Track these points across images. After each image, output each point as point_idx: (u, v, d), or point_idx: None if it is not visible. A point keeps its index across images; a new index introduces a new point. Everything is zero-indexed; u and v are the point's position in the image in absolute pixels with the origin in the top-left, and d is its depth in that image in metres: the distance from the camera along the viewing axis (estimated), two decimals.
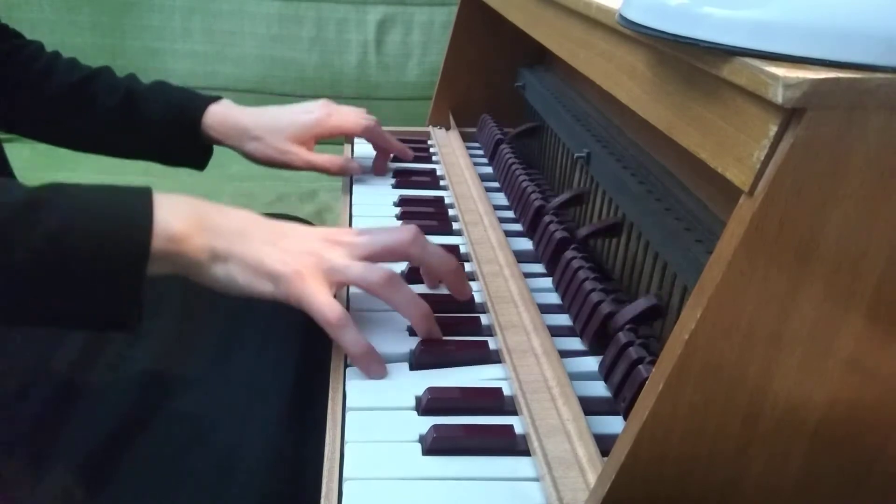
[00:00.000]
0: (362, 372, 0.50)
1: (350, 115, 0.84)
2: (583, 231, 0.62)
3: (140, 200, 0.48)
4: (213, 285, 0.51)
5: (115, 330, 0.48)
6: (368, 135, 0.85)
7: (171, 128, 0.78)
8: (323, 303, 0.50)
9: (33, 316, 0.48)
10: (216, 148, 0.83)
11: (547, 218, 0.68)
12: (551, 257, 0.64)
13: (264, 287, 0.50)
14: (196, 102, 0.79)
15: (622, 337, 0.49)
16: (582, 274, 0.58)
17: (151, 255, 0.46)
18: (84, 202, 0.47)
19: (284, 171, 0.82)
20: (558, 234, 0.64)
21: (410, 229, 0.55)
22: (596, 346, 0.54)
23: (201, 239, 0.49)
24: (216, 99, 0.80)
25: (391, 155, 0.88)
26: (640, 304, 0.51)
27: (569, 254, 0.61)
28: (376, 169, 0.87)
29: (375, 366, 0.50)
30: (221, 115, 0.79)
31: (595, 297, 0.55)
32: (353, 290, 0.59)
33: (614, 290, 0.56)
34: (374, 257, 0.53)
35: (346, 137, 0.92)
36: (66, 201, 0.46)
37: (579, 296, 0.57)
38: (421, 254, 0.55)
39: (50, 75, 0.77)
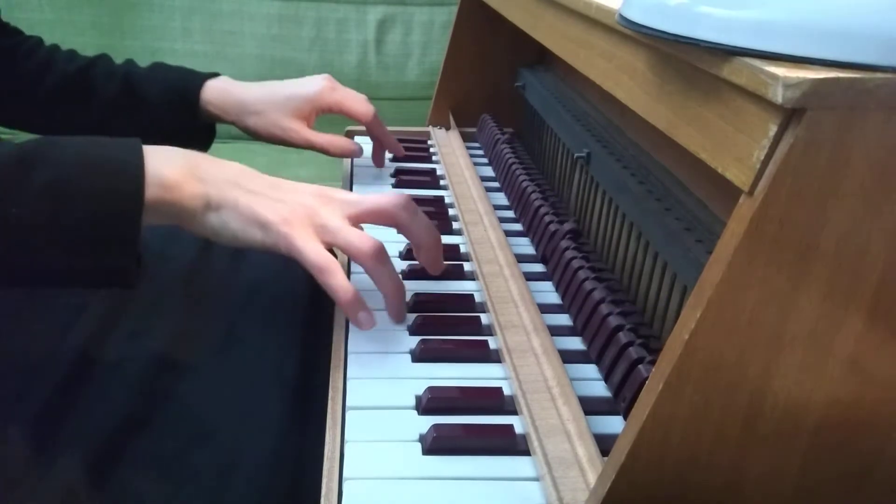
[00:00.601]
0: (350, 318, 0.52)
1: (353, 96, 0.82)
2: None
3: (130, 151, 0.48)
4: (206, 233, 0.51)
5: (115, 285, 0.48)
6: (373, 122, 0.84)
7: (170, 107, 0.77)
8: (311, 249, 0.50)
9: (30, 274, 0.48)
10: (214, 145, 0.82)
11: (547, 218, 0.68)
12: (552, 256, 0.64)
13: (255, 234, 0.51)
14: (194, 79, 0.78)
15: (622, 337, 0.49)
16: (582, 274, 0.58)
17: (145, 204, 0.47)
18: (75, 154, 0.47)
19: (284, 167, 0.81)
20: (555, 228, 0.64)
21: (402, 195, 0.56)
22: (597, 348, 0.54)
23: (194, 187, 0.50)
24: (214, 75, 0.79)
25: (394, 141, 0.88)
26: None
27: (568, 253, 0.61)
28: (375, 160, 0.86)
29: (363, 313, 0.51)
30: (220, 89, 0.78)
31: (596, 295, 0.55)
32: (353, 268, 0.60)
33: (616, 291, 0.56)
34: (363, 216, 0.54)
35: (345, 134, 0.91)
36: (56, 154, 0.46)
37: (580, 296, 0.57)
38: (409, 220, 0.56)
39: (48, 68, 0.77)
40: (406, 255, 0.66)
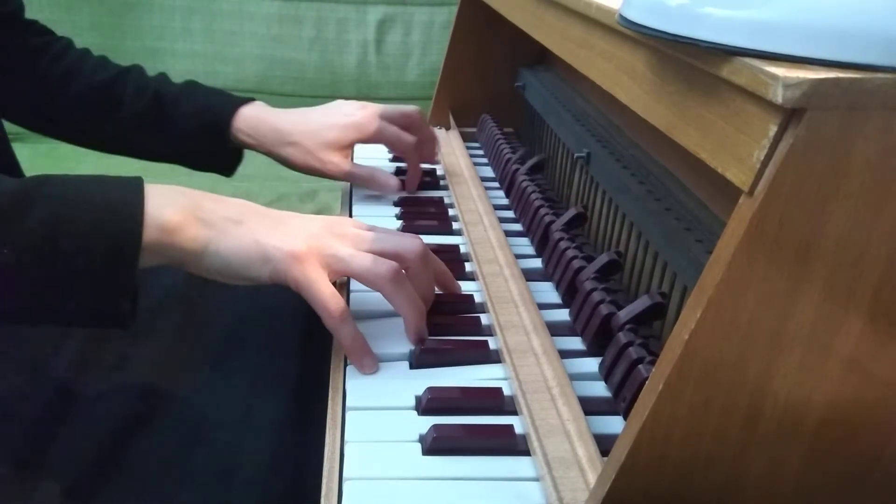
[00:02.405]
0: (356, 366, 0.50)
1: (391, 127, 0.75)
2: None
3: (131, 191, 0.47)
4: (209, 275, 0.50)
5: (110, 326, 0.47)
6: (412, 153, 0.78)
7: (199, 131, 0.75)
8: (322, 289, 0.49)
9: (26, 313, 0.47)
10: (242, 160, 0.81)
11: (547, 218, 0.68)
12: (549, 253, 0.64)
13: (260, 270, 0.49)
14: (226, 105, 0.75)
15: (622, 337, 0.49)
16: (582, 274, 0.58)
17: (143, 247, 0.46)
18: (74, 194, 0.46)
19: (284, 170, 0.80)
20: (558, 235, 0.64)
21: (418, 240, 0.53)
22: (595, 345, 0.54)
23: (195, 229, 0.48)
24: (248, 100, 0.76)
25: (421, 173, 0.80)
26: (642, 303, 0.51)
27: (569, 252, 0.61)
28: (410, 183, 0.79)
29: (368, 360, 0.50)
30: (255, 118, 0.74)
31: (596, 296, 0.55)
32: (353, 287, 0.59)
33: (615, 291, 0.56)
34: (373, 254, 0.51)
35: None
36: (55, 193, 0.45)
37: (580, 296, 0.57)
38: (417, 271, 0.53)
39: (75, 75, 0.75)
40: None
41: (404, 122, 0.77)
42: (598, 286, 0.55)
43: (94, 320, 0.48)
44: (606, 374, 0.50)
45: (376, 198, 0.79)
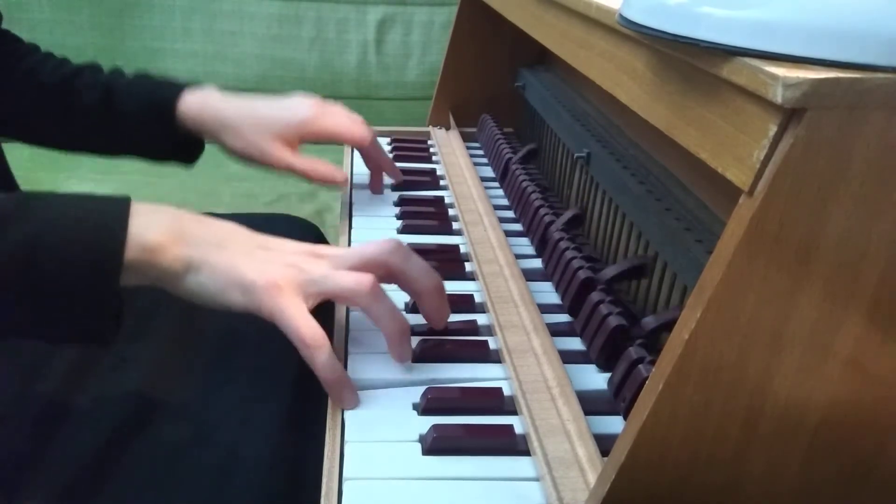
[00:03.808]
0: (333, 399, 0.48)
1: (345, 120, 0.75)
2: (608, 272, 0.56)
3: (116, 209, 0.46)
4: (186, 296, 0.49)
5: (90, 342, 0.47)
6: (367, 147, 0.78)
7: (145, 121, 0.73)
8: (297, 319, 0.47)
9: (8, 330, 0.47)
10: (216, 148, 0.81)
11: (547, 218, 0.68)
12: (550, 256, 0.64)
13: (235, 298, 0.48)
14: (171, 91, 0.72)
15: (622, 337, 0.49)
16: (582, 274, 0.58)
17: (125, 266, 0.45)
18: (56, 212, 0.45)
19: (278, 178, 0.78)
20: (558, 236, 0.64)
21: (392, 240, 0.52)
22: (602, 357, 0.54)
23: (177, 249, 0.47)
24: (195, 86, 0.73)
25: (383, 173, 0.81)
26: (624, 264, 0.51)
27: (568, 253, 0.61)
28: (373, 186, 0.80)
29: (347, 393, 0.48)
30: (198, 104, 0.72)
31: (596, 296, 0.55)
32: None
33: (616, 291, 0.56)
34: (355, 268, 0.51)
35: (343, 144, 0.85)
36: (38, 209, 0.45)
37: (580, 296, 0.57)
38: (402, 264, 0.52)
39: (33, 75, 0.75)
40: (412, 307, 0.59)
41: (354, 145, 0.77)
42: (605, 298, 0.55)
43: (75, 338, 0.47)
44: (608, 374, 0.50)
45: (376, 198, 0.80)
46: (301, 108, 0.73)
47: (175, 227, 0.48)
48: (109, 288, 0.45)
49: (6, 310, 0.44)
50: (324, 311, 0.65)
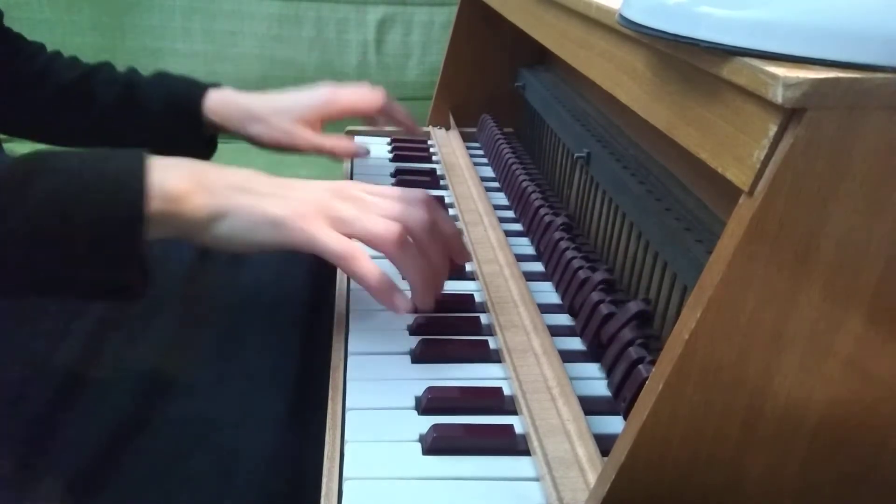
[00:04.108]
0: (383, 303, 0.50)
1: (358, 93, 0.80)
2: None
3: (134, 162, 0.47)
4: (216, 244, 0.50)
5: (119, 298, 0.48)
6: (387, 107, 0.83)
7: (171, 115, 0.76)
8: (329, 238, 0.49)
9: (36, 286, 0.48)
10: (217, 149, 0.82)
11: (547, 219, 0.68)
12: (550, 257, 0.64)
13: (267, 234, 0.49)
14: (196, 87, 0.77)
15: (622, 337, 0.49)
16: (582, 274, 0.58)
17: (150, 217, 0.46)
18: (78, 167, 0.46)
19: (285, 169, 0.81)
20: (558, 235, 0.64)
21: (423, 212, 0.52)
22: (595, 348, 0.54)
23: (200, 198, 0.48)
24: (217, 85, 0.78)
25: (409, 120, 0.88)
26: (631, 308, 0.51)
27: (568, 253, 0.61)
28: (412, 131, 0.88)
29: (397, 296, 0.49)
30: (223, 98, 0.76)
31: (596, 296, 0.55)
32: (353, 285, 0.59)
33: (615, 291, 0.56)
34: (384, 216, 0.51)
35: (353, 124, 0.91)
36: (59, 166, 0.46)
37: (580, 296, 0.57)
38: (427, 242, 0.52)
39: (48, 75, 0.77)
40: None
41: (371, 110, 0.82)
42: (605, 298, 0.55)
43: (104, 293, 0.48)
44: (607, 374, 0.50)
45: (376, 181, 0.80)
46: (319, 91, 0.78)
47: (195, 176, 0.49)
48: (134, 239, 0.46)
49: (35, 265, 0.45)
50: (322, 311, 0.65)
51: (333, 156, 0.80)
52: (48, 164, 0.46)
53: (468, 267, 0.65)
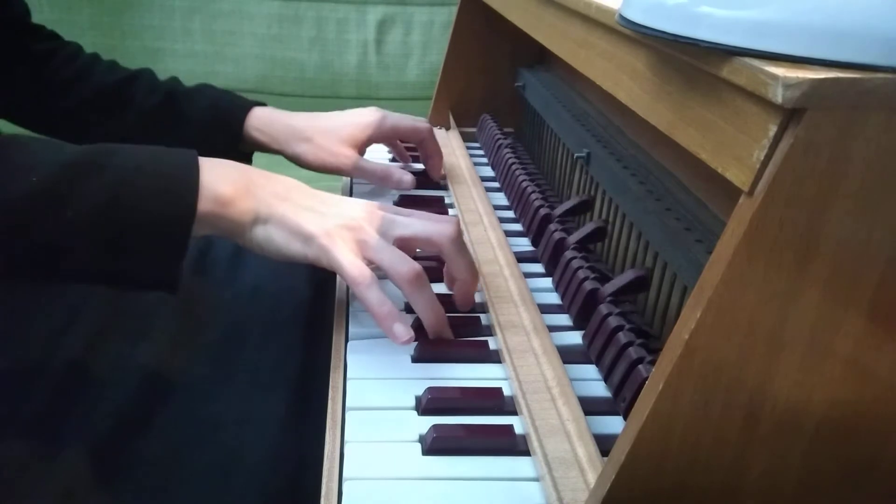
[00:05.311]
0: (385, 332, 0.51)
1: (407, 119, 0.79)
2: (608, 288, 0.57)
3: (187, 163, 0.50)
4: (253, 246, 0.53)
5: (158, 289, 0.50)
6: (428, 138, 0.81)
7: (213, 128, 0.75)
8: (350, 261, 0.51)
9: (84, 274, 0.49)
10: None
11: (552, 226, 0.68)
12: (551, 258, 0.64)
13: (298, 248, 0.52)
14: (241, 103, 0.77)
15: (622, 337, 0.49)
16: (581, 274, 0.58)
17: (198, 217, 0.48)
18: (134, 164, 0.48)
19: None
20: (557, 236, 0.64)
21: (453, 225, 0.55)
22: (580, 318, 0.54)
23: (246, 202, 0.51)
24: (261, 104, 0.77)
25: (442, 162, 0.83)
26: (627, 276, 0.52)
27: (568, 253, 0.61)
28: (433, 173, 0.82)
29: (399, 326, 0.51)
30: (268, 116, 0.76)
31: (591, 289, 0.55)
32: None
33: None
34: (410, 241, 0.54)
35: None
36: (116, 163, 0.48)
37: (579, 295, 0.57)
38: (455, 253, 0.55)
39: (87, 77, 0.76)
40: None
41: (415, 137, 0.81)
42: (597, 286, 0.55)
43: (146, 284, 0.50)
44: (606, 374, 0.50)
45: (376, 196, 0.79)
46: (366, 114, 0.78)
47: (243, 181, 0.52)
48: (184, 238, 0.48)
49: (87, 253, 0.47)
50: (323, 311, 0.65)
51: (382, 185, 0.77)
52: (106, 160, 0.48)
53: None
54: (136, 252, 0.48)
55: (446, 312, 0.55)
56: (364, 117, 0.77)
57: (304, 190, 0.55)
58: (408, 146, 0.89)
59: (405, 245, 0.54)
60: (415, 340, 0.52)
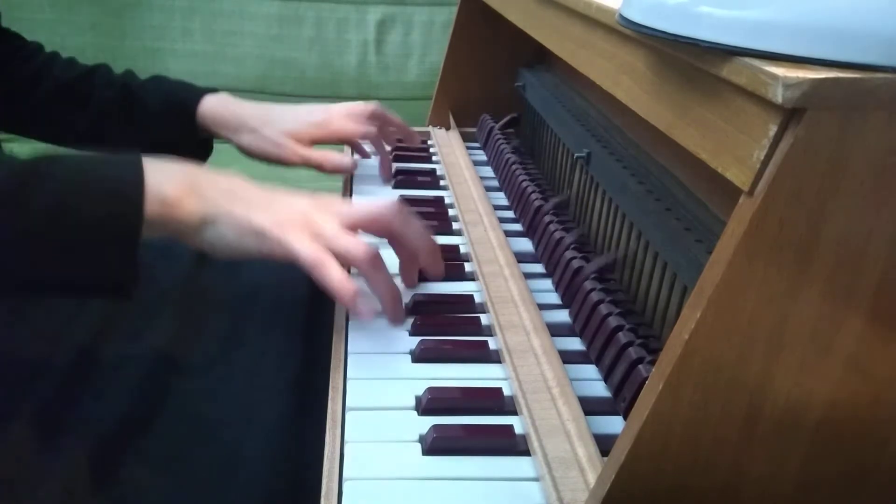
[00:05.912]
0: (349, 310, 0.52)
1: (350, 125, 0.81)
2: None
3: (131, 167, 0.49)
4: (204, 247, 0.53)
5: (111, 296, 0.50)
6: (369, 139, 0.84)
7: (168, 117, 0.78)
8: (304, 247, 0.51)
9: (35, 285, 0.49)
10: (216, 151, 0.82)
11: (547, 218, 0.68)
12: (551, 257, 0.64)
13: (250, 243, 0.52)
14: (192, 91, 0.79)
15: (622, 337, 0.49)
16: (588, 283, 0.58)
17: (145, 220, 0.48)
18: (77, 171, 0.48)
19: (285, 172, 0.81)
20: (558, 235, 0.64)
21: (395, 202, 0.57)
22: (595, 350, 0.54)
23: (193, 203, 0.51)
24: (213, 90, 0.80)
25: (391, 160, 0.87)
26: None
27: (568, 253, 0.61)
28: (382, 172, 0.85)
29: (361, 303, 0.51)
30: (218, 104, 0.78)
31: (596, 296, 0.55)
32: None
33: (616, 291, 0.56)
34: (358, 224, 0.55)
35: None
36: (58, 171, 0.48)
37: (579, 296, 0.57)
38: (402, 226, 0.57)
39: (46, 74, 0.78)
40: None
41: (370, 118, 0.83)
42: (596, 286, 0.55)
43: (96, 291, 0.50)
44: (606, 374, 0.50)
45: (374, 195, 0.80)
46: (313, 111, 0.80)
47: (188, 180, 0.51)
48: (132, 242, 0.48)
49: (35, 264, 0.47)
50: (323, 311, 0.65)
51: (321, 169, 0.79)
52: (48, 169, 0.47)
53: (468, 267, 0.65)
54: (85, 258, 0.47)
55: (444, 312, 0.55)
56: (312, 116, 0.80)
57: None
58: (402, 145, 0.91)
59: (355, 229, 0.55)
60: (417, 340, 0.52)
